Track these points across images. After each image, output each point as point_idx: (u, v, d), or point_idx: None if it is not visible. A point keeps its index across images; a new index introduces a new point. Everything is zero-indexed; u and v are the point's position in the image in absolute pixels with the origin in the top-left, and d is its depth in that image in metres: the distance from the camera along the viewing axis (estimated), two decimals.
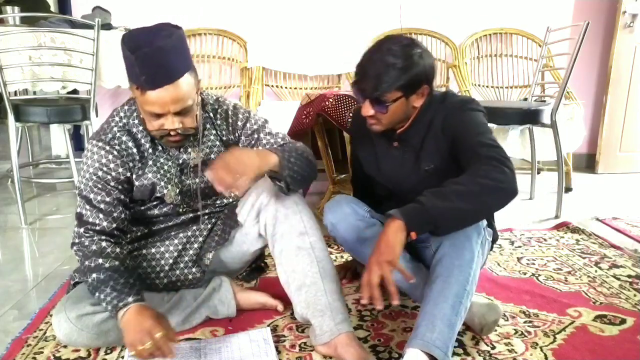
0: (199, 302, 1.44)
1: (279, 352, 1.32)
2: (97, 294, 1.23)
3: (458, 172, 1.36)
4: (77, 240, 1.31)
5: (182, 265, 1.45)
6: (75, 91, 2.80)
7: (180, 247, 1.45)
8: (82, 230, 1.31)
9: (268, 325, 1.45)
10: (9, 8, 2.82)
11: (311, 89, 3.43)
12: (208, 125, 1.44)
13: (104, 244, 1.30)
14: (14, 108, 2.38)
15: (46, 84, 2.53)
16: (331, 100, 2.11)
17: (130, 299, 1.20)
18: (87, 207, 1.32)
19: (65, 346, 1.33)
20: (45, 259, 1.99)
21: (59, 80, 2.52)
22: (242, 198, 1.46)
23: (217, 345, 1.33)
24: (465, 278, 1.23)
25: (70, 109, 2.53)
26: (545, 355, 1.32)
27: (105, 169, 1.33)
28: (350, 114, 2.08)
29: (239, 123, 1.46)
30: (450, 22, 3.45)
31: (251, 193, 1.43)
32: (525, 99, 3.22)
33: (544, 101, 2.84)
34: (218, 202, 1.51)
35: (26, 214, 2.41)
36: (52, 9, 3.84)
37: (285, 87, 3.45)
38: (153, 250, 1.44)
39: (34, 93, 2.78)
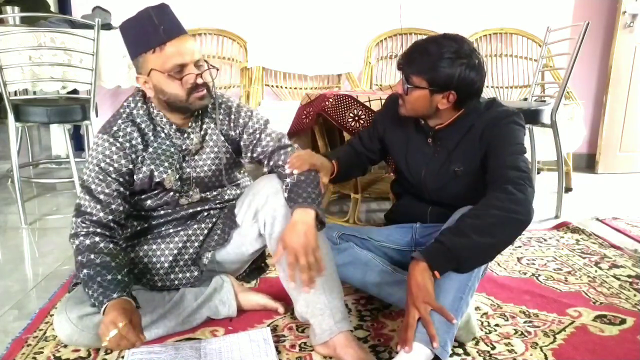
0: (200, 303, 1.44)
1: (279, 352, 1.32)
2: (86, 289, 1.24)
3: (484, 180, 1.37)
4: (73, 231, 1.33)
5: (181, 263, 1.45)
6: (75, 91, 2.80)
7: (180, 244, 1.45)
8: (79, 220, 1.33)
9: (268, 325, 1.45)
10: (9, 8, 2.82)
11: (311, 89, 3.43)
12: (211, 116, 1.47)
13: (97, 238, 1.31)
14: (14, 108, 2.38)
15: (46, 84, 2.53)
16: (331, 100, 2.11)
17: (114, 295, 1.20)
18: (87, 197, 1.34)
19: (65, 346, 1.33)
20: (45, 259, 1.99)
21: (59, 80, 2.52)
22: (240, 198, 1.47)
23: (217, 345, 1.33)
24: (468, 274, 1.23)
25: (70, 109, 2.53)
26: (545, 355, 1.32)
27: (108, 160, 1.35)
28: (351, 114, 2.09)
29: (241, 121, 1.48)
30: (450, 22, 3.45)
31: (248, 193, 1.44)
32: (525, 99, 3.22)
33: (544, 101, 2.84)
34: (219, 197, 1.53)
35: (26, 214, 2.41)
36: (52, 9, 3.84)
37: (285, 87, 3.45)
38: (154, 246, 1.45)
39: (34, 93, 2.78)
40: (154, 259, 1.44)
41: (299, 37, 3.40)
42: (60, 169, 3.57)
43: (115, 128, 1.38)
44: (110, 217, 1.34)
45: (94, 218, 1.32)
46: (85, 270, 1.25)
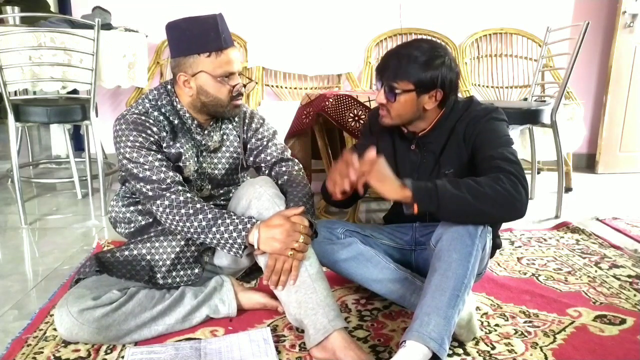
0: (200, 301, 1.44)
1: (279, 352, 1.32)
2: (213, 229, 1.30)
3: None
4: (151, 194, 1.35)
5: (183, 260, 1.46)
6: (75, 91, 2.80)
7: (182, 242, 1.45)
8: (156, 188, 1.35)
9: (268, 325, 1.45)
10: (9, 8, 2.82)
11: (311, 89, 3.43)
12: (229, 118, 1.55)
13: (188, 194, 1.36)
14: (14, 108, 2.38)
15: (46, 84, 2.53)
16: (331, 100, 2.11)
17: (253, 219, 1.30)
18: (146, 167, 1.36)
19: (65, 346, 1.33)
20: (45, 259, 1.99)
21: (59, 80, 2.52)
22: (231, 204, 1.47)
23: (217, 345, 1.33)
24: (464, 272, 1.24)
25: (70, 109, 2.53)
26: (545, 355, 1.32)
27: (146, 132, 1.38)
28: (351, 114, 2.09)
29: (253, 125, 1.57)
30: (450, 22, 3.45)
31: (233, 198, 1.46)
32: (525, 99, 3.22)
33: (544, 101, 2.84)
34: (225, 195, 1.57)
35: (26, 214, 2.41)
36: (52, 9, 3.84)
37: (285, 87, 3.45)
38: (157, 244, 1.45)
39: (34, 93, 2.78)
40: (157, 257, 1.44)
41: (299, 37, 3.40)
42: (60, 169, 3.57)
43: (143, 110, 1.42)
44: (177, 178, 1.38)
45: (169, 180, 1.35)
46: (200, 216, 1.31)
